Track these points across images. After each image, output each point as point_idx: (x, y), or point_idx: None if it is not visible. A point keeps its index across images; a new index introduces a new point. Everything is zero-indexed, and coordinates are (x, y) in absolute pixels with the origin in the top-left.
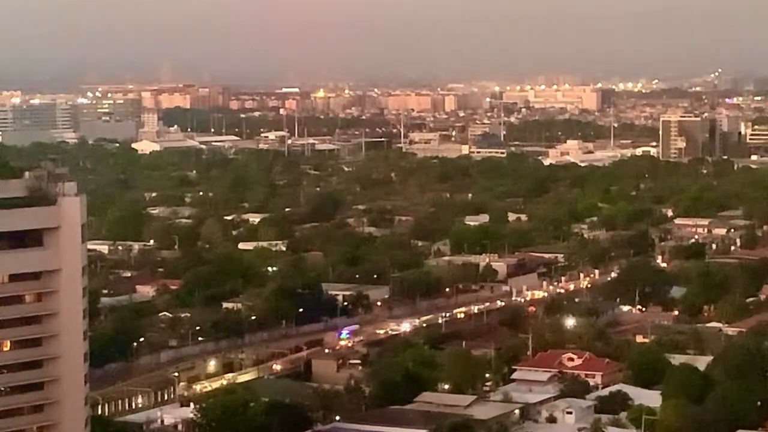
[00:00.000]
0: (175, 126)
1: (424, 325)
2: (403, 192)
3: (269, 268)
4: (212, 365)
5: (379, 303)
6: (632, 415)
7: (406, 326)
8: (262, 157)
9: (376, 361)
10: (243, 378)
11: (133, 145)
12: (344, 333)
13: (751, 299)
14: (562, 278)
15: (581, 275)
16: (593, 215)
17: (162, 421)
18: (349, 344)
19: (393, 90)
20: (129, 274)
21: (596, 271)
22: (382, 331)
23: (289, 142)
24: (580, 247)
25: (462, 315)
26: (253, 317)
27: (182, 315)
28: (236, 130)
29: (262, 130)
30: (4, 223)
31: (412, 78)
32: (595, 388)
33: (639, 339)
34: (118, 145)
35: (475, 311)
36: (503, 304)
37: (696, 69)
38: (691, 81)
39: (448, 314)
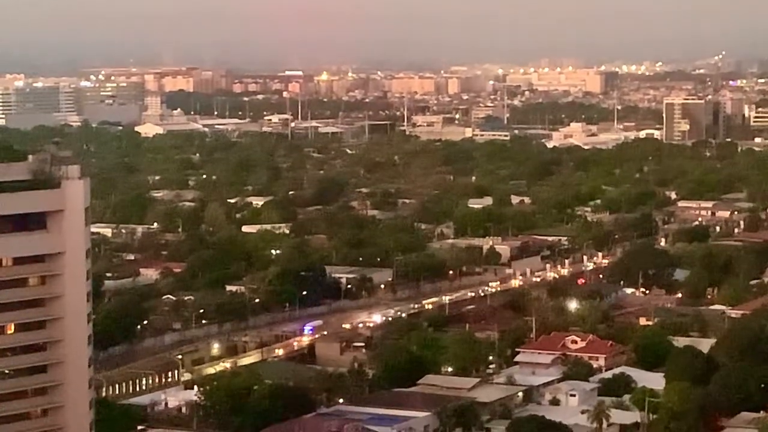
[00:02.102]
0: (179, 109)
1: (390, 319)
2: (407, 175)
3: (273, 251)
4: (216, 348)
5: (382, 286)
6: (635, 398)
7: (377, 318)
8: (265, 140)
9: (379, 344)
10: (247, 360)
11: (137, 129)
12: (307, 329)
13: (754, 282)
14: (566, 261)
15: (585, 258)
16: (597, 198)
17: (166, 404)
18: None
19: (396, 73)
20: (133, 257)
21: (600, 254)
22: (348, 326)
23: (293, 125)
24: (583, 230)
25: (446, 299)
26: (257, 300)
27: (186, 298)
28: (239, 113)
29: (265, 113)
30: (7, 207)
31: (416, 61)
32: (598, 371)
33: (642, 321)
34: (121, 128)
35: (479, 294)
36: (506, 286)
37: (700, 51)
38: (695, 63)
39: (416, 305)
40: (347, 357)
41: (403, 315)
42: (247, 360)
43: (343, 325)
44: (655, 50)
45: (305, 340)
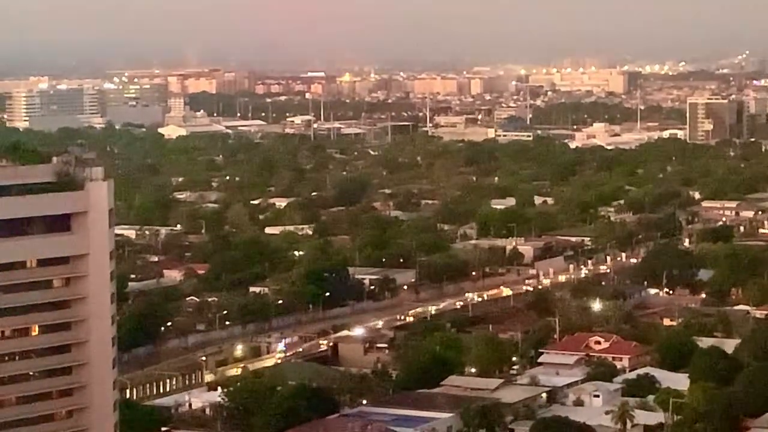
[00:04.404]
0: (202, 111)
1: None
2: (430, 176)
3: (296, 252)
4: (240, 349)
5: (405, 287)
6: (660, 398)
7: (359, 331)
8: (288, 142)
9: (403, 345)
10: (270, 362)
11: (160, 130)
12: (280, 345)
13: None
14: (589, 261)
15: (608, 258)
16: (620, 198)
17: (190, 405)
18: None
19: (419, 73)
20: (156, 259)
21: (623, 254)
22: (324, 342)
23: (315, 126)
24: (606, 230)
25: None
26: (280, 301)
27: (209, 299)
28: (262, 114)
29: (288, 114)
30: (32, 208)
31: (438, 61)
32: (622, 371)
33: (666, 322)
34: (144, 130)
35: (502, 294)
36: (530, 287)
37: (723, 51)
38: (719, 63)
39: (397, 318)
40: (370, 358)
41: (383, 327)
42: (270, 361)
43: (320, 342)
44: (678, 50)
45: (278, 356)
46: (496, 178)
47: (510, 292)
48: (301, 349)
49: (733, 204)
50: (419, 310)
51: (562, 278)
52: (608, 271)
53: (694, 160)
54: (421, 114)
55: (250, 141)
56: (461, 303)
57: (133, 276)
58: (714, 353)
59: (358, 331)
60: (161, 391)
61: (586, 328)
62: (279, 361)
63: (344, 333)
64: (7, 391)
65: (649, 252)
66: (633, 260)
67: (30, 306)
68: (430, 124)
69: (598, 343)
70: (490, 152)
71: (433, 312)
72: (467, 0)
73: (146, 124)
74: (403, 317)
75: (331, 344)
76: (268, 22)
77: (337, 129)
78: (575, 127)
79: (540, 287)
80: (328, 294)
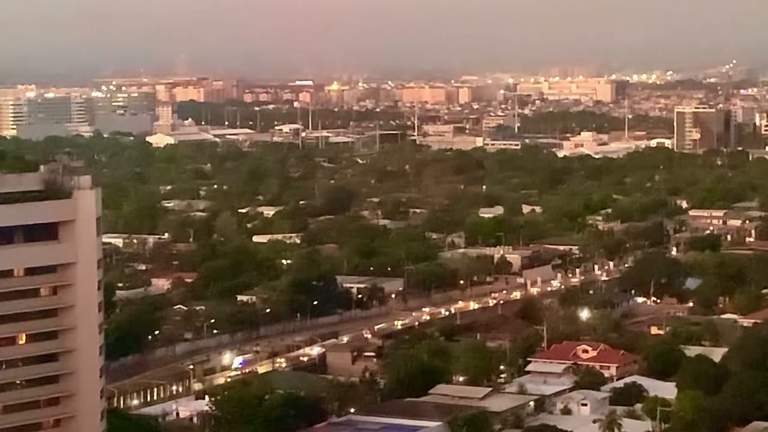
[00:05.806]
0: (190, 119)
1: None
2: (418, 184)
3: (284, 261)
4: (227, 358)
5: (393, 295)
6: (647, 407)
7: (317, 350)
8: (276, 150)
9: (391, 353)
10: (258, 370)
11: (148, 139)
12: (237, 362)
13: (766, 290)
14: (577, 270)
15: (596, 267)
16: (608, 207)
17: (177, 414)
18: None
19: (407, 82)
20: (144, 267)
21: (611, 263)
22: (282, 360)
23: (304, 134)
24: (594, 239)
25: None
26: (268, 310)
27: (197, 308)
28: (250, 123)
29: (276, 122)
30: (19, 217)
31: (426, 70)
32: (610, 380)
33: (654, 331)
34: (132, 138)
35: (490, 303)
36: (518, 295)
37: (711, 60)
38: (706, 72)
39: (364, 335)
40: (358, 366)
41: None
42: (258, 369)
43: (278, 360)
44: (665, 59)
45: (236, 373)
46: (484, 187)
47: (476, 306)
48: (254, 367)
49: (721, 213)
50: (383, 326)
51: (549, 287)
52: (596, 279)
53: (681, 169)
54: (409, 123)
55: (238, 149)
56: (426, 318)
57: (120, 284)
58: (702, 362)
59: (316, 351)
60: (149, 399)
61: (573, 337)
62: (229, 380)
63: (302, 351)
64: None
65: (636, 261)
66: (621, 269)
67: (17, 315)
68: (419, 133)
69: (586, 351)
70: (478, 161)
71: (399, 327)
72: (455, 9)
73: (134, 133)
74: (367, 333)
75: (284, 365)
76: (256, 30)
77: (325, 138)
78: (563, 136)
79: (528, 296)
80: (315, 302)
